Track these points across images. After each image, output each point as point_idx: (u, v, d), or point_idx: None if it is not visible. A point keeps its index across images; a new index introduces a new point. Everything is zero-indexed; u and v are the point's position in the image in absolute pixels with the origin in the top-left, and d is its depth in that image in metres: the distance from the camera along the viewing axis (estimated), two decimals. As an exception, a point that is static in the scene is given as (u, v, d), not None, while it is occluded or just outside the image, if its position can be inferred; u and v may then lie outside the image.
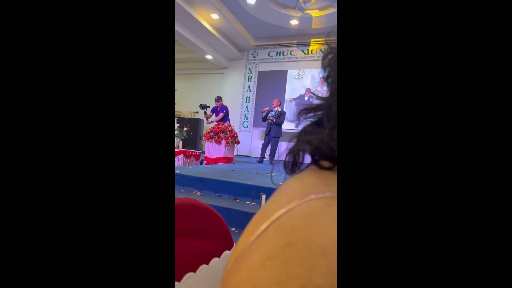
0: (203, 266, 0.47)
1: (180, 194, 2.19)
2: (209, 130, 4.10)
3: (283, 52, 6.39)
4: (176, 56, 7.00)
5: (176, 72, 7.36)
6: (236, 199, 2.17)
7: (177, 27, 4.87)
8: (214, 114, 4.73)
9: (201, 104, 4.70)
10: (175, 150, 4.07)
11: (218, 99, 4.76)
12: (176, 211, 0.48)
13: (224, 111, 4.65)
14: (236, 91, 6.62)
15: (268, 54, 6.53)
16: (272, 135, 4.21)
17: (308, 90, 5.41)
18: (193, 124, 5.74)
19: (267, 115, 4.23)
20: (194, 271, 0.44)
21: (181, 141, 4.48)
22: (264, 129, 4.48)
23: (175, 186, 2.43)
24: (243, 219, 1.87)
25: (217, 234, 0.52)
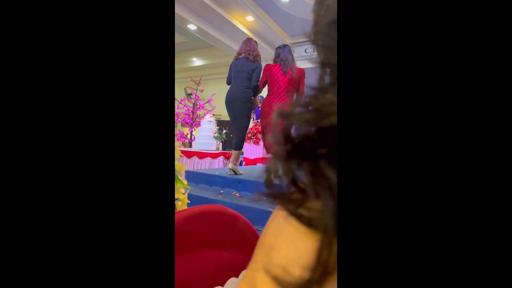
0: (232, 279, 0.44)
1: (220, 196, 2.22)
2: (247, 132, 4.14)
3: (320, 47, 6.15)
4: (213, 61, 7.25)
5: (214, 76, 7.63)
6: (275, 201, 2.12)
7: (213, 32, 5.02)
8: (255, 114, 4.79)
9: None
10: (216, 152, 4.19)
11: (261, 99, 4.82)
12: (201, 218, 0.45)
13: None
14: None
15: (305, 51, 6.37)
16: None
17: None
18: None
19: None
20: (222, 285, 0.41)
21: (221, 143, 4.60)
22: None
23: (215, 187, 2.48)
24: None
25: (248, 244, 0.48)
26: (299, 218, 0.14)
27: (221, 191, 2.36)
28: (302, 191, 0.15)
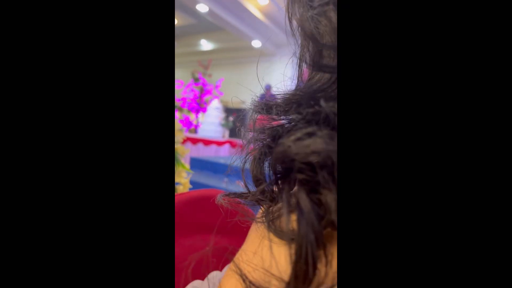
0: (216, 273, 0.40)
1: (223, 184, 2.15)
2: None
3: (335, 35, 5.92)
4: (223, 45, 7.08)
5: (223, 61, 7.48)
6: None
7: (224, 15, 4.83)
8: None
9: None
10: (222, 140, 4.10)
11: (269, 87, 4.69)
12: (198, 203, 0.44)
13: None
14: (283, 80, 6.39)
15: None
16: None
17: None
18: (240, 114, 5.72)
19: None
20: (220, 270, 0.37)
21: (227, 131, 4.51)
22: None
23: (219, 175, 2.42)
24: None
25: (245, 230, 0.43)
26: (269, 228, 0.15)
27: (225, 179, 2.29)
28: (272, 199, 0.16)
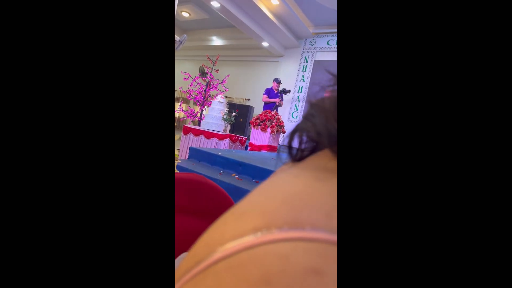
0: (184, 254, 0.45)
1: (219, 176, 2.25)
2: (256, 117, 4.12)
3: (343, 41, 5.95)
4: (233, 42, 7.16)
5: (231, 58, 7.56)
6: (272, 187, 2.13)
7: (236, 13, 4.92)
8: (268, 95, 4.66)
9: (283, 89, 4.73)
10: (223, 133, 4.21)
11: (278, 81, 4.65)
12: (181, 185, 0.46)
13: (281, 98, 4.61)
14: (289, 80, 6.47)
15: (327, 43, 6.18)
16: None
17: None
18: (243, 111, 5.82)
19: None
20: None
21: (229, 126, 4.61)
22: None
23: (216, 167, 2.51)
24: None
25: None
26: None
27: (221, 171, 2.38)
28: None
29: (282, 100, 4.70)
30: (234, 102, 6.92)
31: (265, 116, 4.03)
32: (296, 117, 6.33)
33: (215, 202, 0.54)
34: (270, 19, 5.26)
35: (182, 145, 4.26)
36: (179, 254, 0.41)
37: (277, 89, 4.72)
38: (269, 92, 4.75)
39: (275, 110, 4.51)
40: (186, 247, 0.43)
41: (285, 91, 4.68)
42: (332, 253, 0.10)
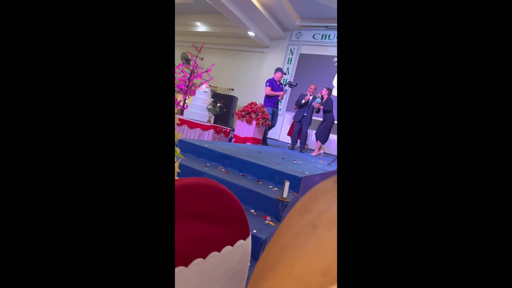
0: (214, 253, 0.44)
1: (206, 169, 2.23)
2: (241, 109, 4.08)
3: (329, 35, 6.02)
4: (218, 29, 6.97)
5: (216, 46, 7.37)
6: (259, 181, 2.16)
7: (224, 0, 4.77)
8: (272, 88, 4.25)
9: (289, 82, 4.44)
10: (207, 124, 4.14)
11: (281, 70, 4.22)
12: (190, 190, 0.45)
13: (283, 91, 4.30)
14: (273, 72, 6.45)
15: (313, 37, 6.20)
16: (307, 123, 4.03)
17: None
18: (227, 101, 5.73)
19: (309, 102, 3.92)
20: (204, 258, 0.42)
21: (213, 116, 4.54)
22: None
23: (202, 159, 2.48)
24: (263, 203, 1.86)
25: (233, 221, 0.49)
26: None
27: (207, 164, 2.36)
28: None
29: (276, 89, 4.30)
30: (218, 91, 6.80)
31: (250, 108, 4.01)
32: (279, 110, 6.37)
33: (224, 206, 0.54)
34: (257, 8, 5.16)
35: (164, 134, 4.12)
36: (193, 259, 0.40)
37: (279, 81, 4.30)
38: (272, 84, 4.28)
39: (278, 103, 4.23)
40: (201, 253, 0.42)
41: (292, 85, 4.27)
42: None
